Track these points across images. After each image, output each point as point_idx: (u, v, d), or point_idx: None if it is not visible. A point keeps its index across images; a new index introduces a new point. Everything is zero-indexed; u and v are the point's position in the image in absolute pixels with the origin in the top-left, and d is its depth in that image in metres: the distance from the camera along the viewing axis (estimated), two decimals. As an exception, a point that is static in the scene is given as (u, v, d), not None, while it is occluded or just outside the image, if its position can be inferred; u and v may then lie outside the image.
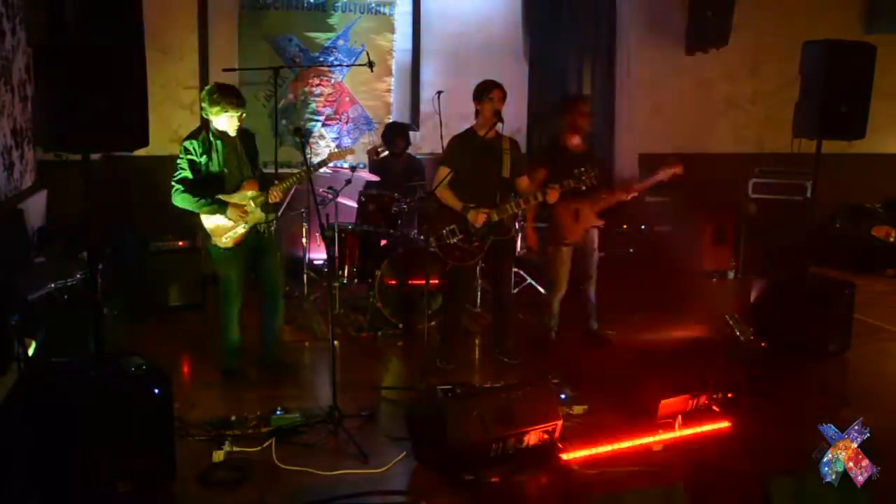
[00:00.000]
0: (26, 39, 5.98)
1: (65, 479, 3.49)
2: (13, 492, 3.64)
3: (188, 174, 4.74)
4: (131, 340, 5.52)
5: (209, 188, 4.78)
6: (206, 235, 4.90)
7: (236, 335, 5.08)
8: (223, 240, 4.86)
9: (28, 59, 6.00)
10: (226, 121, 4.74)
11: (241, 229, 4.86)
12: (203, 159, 4.76)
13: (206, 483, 3.81)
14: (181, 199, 4.73)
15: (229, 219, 4.80)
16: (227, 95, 4.74)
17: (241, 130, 4.88)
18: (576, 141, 5.65)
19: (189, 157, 4.74)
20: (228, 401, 4.71)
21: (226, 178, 4.82)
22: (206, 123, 4.83)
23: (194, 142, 4.75)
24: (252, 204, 4.87)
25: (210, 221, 4.84)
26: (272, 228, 5.06)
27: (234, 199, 4.83)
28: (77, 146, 3.45)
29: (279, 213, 5.21)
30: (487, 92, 5.12)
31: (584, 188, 5.14)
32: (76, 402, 3.50)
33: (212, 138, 4.78)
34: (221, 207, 4.78)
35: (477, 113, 5.21)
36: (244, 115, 4.83)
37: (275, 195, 4.88)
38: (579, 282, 5.86)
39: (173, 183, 4.74)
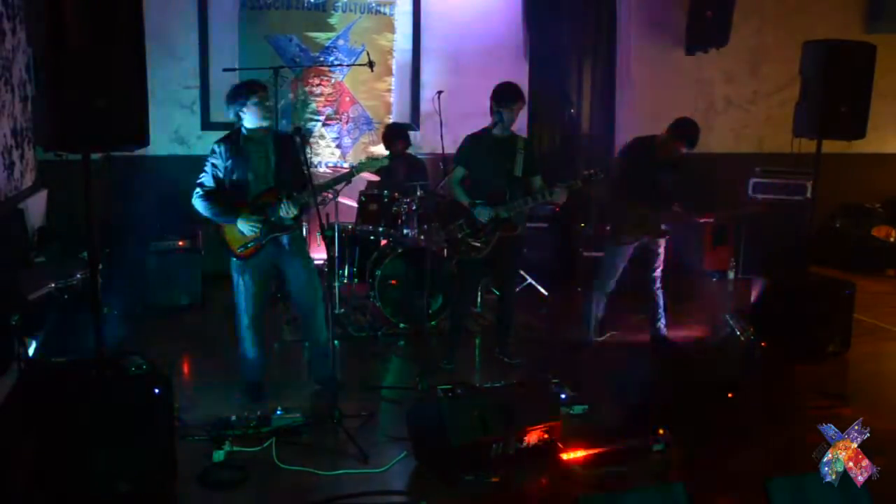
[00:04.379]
0: (26, 39, 5.98)
1: (65, 479, 3.49)
2: (13, 492, 3.64)
3: (209, 177, 4.57)
4: (131, 340, 5.52)
5: (232, 195, 4.59)
6: (223, 242, 4.69)
7: (250, 349, 4.80)
8: (238, 250, 4.64)
9: (28, 59, 5.99)
10: (253, 110, 4.51)
11: (253, 242, 4.61)
12: (228, 164, 4.56)
13: (206, 483, 3.81)
14: (198, 204, 4.57)
15: (241, 229, 4.58)
16: (244, 85, 4.59)
17: (279, 137, 4.70)
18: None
19: (212, 159, 4.58)
20: (228, 401, 4.70)
21: (250, 186, 4.60)
22: (239, 129, 4.63)
23: (221, 144, 4.59)
24: (268, 214, 4.60)
25: (226, 230, 4.65)
26: (293, 239, 4.74)
27: (249, 209, 4.58)
28: (77, 146, 3.44)
29: (303, 223, 4.80)
30: (513, 103, 5.12)
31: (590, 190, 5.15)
32: (76, 402, 3.50)
33: (242, 142, 4.58)
34: (232, 217, 4.56)
35: (492, 111, 5.19)
36: (268, 98, 4.58)
37: (290, 209, 4.56)
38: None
39: (197, 186, 4.59)
